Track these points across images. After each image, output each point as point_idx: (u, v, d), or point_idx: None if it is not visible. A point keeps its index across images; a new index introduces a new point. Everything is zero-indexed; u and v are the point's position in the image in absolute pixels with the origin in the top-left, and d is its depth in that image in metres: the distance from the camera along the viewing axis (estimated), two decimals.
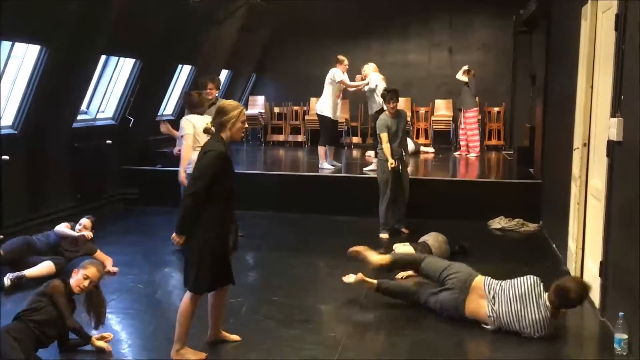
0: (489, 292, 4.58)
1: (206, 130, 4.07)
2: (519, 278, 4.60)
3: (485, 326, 4.57)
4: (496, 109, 12.85)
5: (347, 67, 9.58)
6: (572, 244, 5.77)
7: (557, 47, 7.47)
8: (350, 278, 5.27)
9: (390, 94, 7.13)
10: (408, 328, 4.73)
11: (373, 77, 9.46)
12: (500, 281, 4.66)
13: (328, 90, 9.48)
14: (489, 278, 4.71)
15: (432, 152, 11.90)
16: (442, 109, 13.09)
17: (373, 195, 7.46)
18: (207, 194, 3.89)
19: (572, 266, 5.77)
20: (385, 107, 7.46)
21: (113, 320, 4.84)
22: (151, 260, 6.49)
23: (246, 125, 4.23)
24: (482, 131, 12.73)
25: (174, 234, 4.02)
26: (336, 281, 5.84)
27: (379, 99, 8.99)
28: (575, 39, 5.92)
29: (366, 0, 12.60)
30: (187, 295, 4.08)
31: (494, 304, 4.52)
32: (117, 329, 4.70)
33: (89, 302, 4.27)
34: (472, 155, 11.32)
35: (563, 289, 4.33)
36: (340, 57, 9.59)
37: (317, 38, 13.22)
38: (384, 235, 7.26)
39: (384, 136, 7.10)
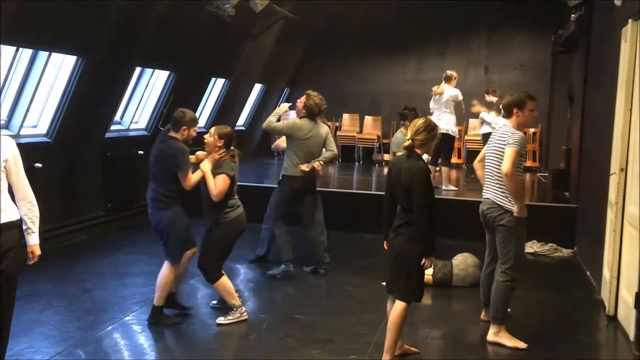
0: None
1: (407, 147, 4.15)
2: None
3: None
4: (532, 130, 12.58)
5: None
6: (607, 272, 5.54)
7: (596, 68, 7.27)
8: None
9: (413, 113, 7.18)
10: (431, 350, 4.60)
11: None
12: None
13: (450, 107, 9.47)
14: None
15: None
16: (477, 128, 12.85)
17: None
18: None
19: (606, 295, 5.54)
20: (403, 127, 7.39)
21: (133, 331, 4.84)
22: None
23: None
24: None
25: (426, 261, 4.12)
26: (360, 300, 5.73)
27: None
28: (614, 61, 5.74)
29: (403, 16, 12.53)
30: (401, 305, 4.18)
31: None
32: (134, 341, 4.69)
33: None
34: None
35: None
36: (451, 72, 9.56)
37: (351, 53, 13.18)
38: None
39: None
